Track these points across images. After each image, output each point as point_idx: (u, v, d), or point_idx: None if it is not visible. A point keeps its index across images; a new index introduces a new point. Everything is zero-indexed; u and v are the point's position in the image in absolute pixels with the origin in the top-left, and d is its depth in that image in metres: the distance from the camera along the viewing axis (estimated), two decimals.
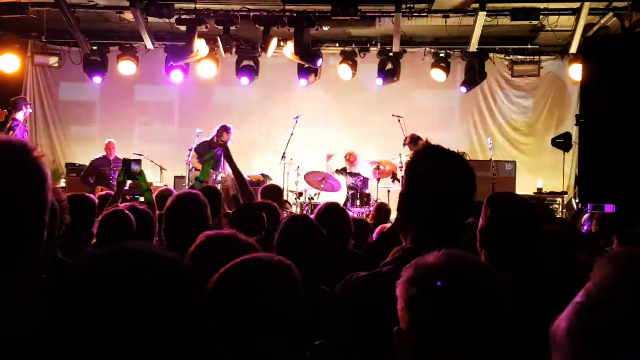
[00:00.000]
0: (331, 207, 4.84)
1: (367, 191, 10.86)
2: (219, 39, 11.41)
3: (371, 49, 12.48)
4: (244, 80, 12.35)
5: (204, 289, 1.75)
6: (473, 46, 11.48)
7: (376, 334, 1.78)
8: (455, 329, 1.40)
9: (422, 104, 12.94)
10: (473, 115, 13.08)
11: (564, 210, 11.21)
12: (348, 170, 11.33)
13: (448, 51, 12.29)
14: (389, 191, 10.99)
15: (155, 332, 1.11)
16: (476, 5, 10.37)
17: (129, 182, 6.32)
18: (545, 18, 10.79)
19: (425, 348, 1.41)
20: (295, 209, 10.56)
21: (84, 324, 1.10)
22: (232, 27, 11.28)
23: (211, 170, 10.88)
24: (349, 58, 12.32)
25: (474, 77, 12.19)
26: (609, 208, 6.32)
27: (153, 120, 13.55)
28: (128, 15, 11.16)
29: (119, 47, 12.54)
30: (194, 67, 12.40)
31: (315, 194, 11.10)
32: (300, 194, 10.99)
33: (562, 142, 11.36)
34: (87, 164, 11.67)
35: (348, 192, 11.07)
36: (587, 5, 10.23)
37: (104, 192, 7.73)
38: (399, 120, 11.10)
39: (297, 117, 11.17)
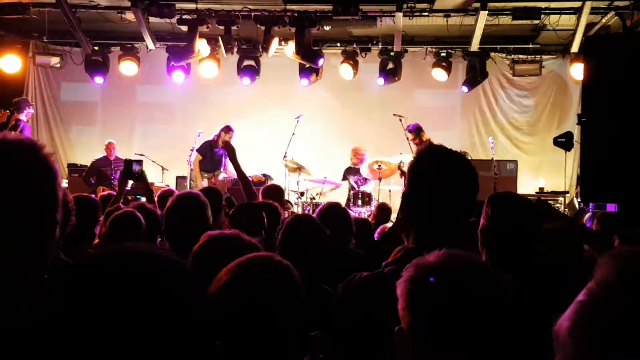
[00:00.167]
0: (332, 207, 4.85)
1: (368, 191, 10.86)
2: (220, 39, 11.41)
3: (372, 48, 12.48)
4: (246, 80, 12.35)
5: (206, 290, 1.76)
6: (474, 45, 11.48)
7: (378, 334, 1.78)
8: (455, 328, 1.40)
9: (423, 103, 12.94)
10: (474, 115, 13.08)
11: (566, 209, 11.20)
12: (353, 167, 11.32)
13: (449, 51, 12.28)
14: (390, 191, 10.99)
15: (156, 333, 1.11)
16: (477, 4, 10.36)
17: (130, 182, 6.32)
18: (546, 17, 10.78)
19: (425, 348, 1.41)
20: (296, 209, 10.56)
21: (84, 325, 1.10)
22: (234, 27, 11.28)
23: (206, 174, 10.92)
24: (350, 58, 12.32)
25: (475, 76, 12.19)
26: (611, 207, 6.32)
27: (154, 120, 13.55)
28: (129, 16, 11.16)
29: (120, 48, 12.55)
30: (196, 67, 12.40)
31: (317, 194, 11.11)
32: (301, 194, 11.00)
33: (563, 142, 11.34)
34: (89, 164, 11.69)
35: (349, 192, 11.08)
36: (588, 4, 10.22)
37: (105, 193, 7.74)
38: (400, 120, 11.09)
39: (298, 117, 11.17)
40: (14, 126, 10.13)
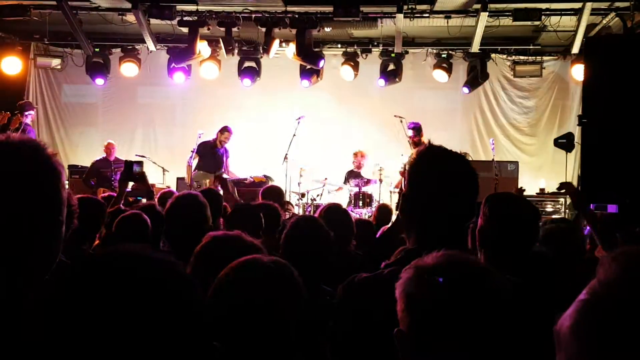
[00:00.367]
0: (333, 208, 4.84)
1: (369, 192, 10.86)
2: (221, 40, 11.42)
3: (373, 50, 12.49)
4: (246, 81, 12.36)
5: (205, 291, 1.75)
6: (475, 47, 11.48)
7: (377, 335, 1.78)
8: (454, 330, 1.40)
9: (424, 104, 12.93)
10: (475, 116, 13.08)
11: (567, 210, 11.19)
12: (355, 170, 11.33)
13: (450, 52, 12.29)
14: (391, 192, 10.99)
15: (154, 335, 1.11)
16: (478, 5, 10.37)
17: (130, 183, 6.31)
18: (547, 18, 10.79)
19: (425, 349, 1.41)
20: (297, 210, 10.56)
21: (80, 328, 1.10)
22: (234, 29, 11.29)
23: (207, 173, 10.94)
24: (351, 59, 12.33)
25: (476, 77, 12.18)
26: (612, 208, 6.31)
27: (155, 121, 13.57)
28: (130, 17, 11.18)
29: (121, 49, 12.56)
30: (196, 69, 12.41)
31: (317, 195, 11.11)
32: (302, 195, 11.00)
33: (564, 143, 11.34)
34: (89, 166, 11.70)
35: (350, 193, 11.08)
36: (589, 5, 10.22)
37: (106, 194, 7.74)
38: (401, 121, 11.10)
39: (299, 118, 11.18)
40: (17, 129, 10.14)
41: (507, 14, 10.58)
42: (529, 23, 10.89)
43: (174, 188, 10.42)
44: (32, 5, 10.81)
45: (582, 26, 10.63)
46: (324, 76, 12.35)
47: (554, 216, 9.33)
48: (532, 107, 12.91)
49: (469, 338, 1.40)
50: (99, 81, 12.56)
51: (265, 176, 11.25)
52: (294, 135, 11.01)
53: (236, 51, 12.19)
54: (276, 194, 6.37)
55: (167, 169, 11.98)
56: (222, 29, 11.24)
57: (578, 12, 10.49)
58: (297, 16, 10.96)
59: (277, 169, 11.34)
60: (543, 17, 10.61)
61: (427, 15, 10.84)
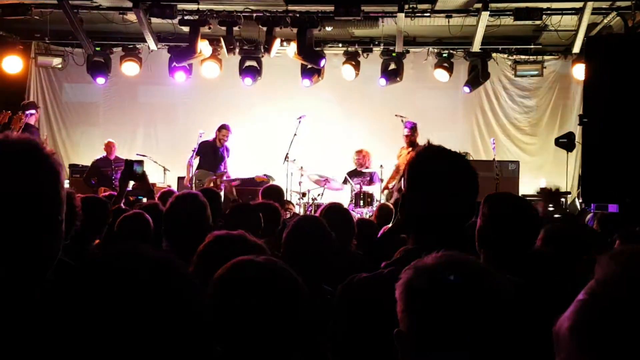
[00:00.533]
0: (334, 207, 4.84)
1: (370, 191, 10.86)
2: (222, 39, 11.42)
3: (374, 49, 12.48)
4: (247, 80, 12.36)
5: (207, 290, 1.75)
6: (476, 46, 11.48)
7: (377, 336, 1.78)
8: (454, 330, 1.40)
9: (425, 104, 12.92)
10: (476, 115, 13.08)
11: (567, 210, 11.18)
12: (358, 170, 11.31)
13: (451, 51, 12.28)
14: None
15: (155, 334, 1.11)
16: (479, 5, 10.36)
17: (131, 182, 6.32)
18: (548, 18, 10.78)
19: (424, 349, 1.41)
20: (298, 210, 10.56)
21: (83, 327, 1.10)
22: (235, 28, 11.28)
23: (209, 172, 10.95)
24: (352, 58, 12.32)
25: (477, 77, 12.18)
26: (613, 208, 6.31)
27: (156, 121, 13.57)
28: (131, 17, 11.18)
29: (122, 48, 12.56)
30: (197, 68, 12.41)
31: (318, 195, 11.11)
32: (303, 194, 11.00)
33: (565, 142, 11.33)
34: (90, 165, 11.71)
35: (352, 193, 11.08)
36: (590, 5, 10.22)
37: (107, 194, 7.74)
38: (402, 121, 11.09)
39: (300, 117, 11.17)
40: (21, 128, 10.14)
41: (508, 13, 10.57)
42: (530, 22, 10.89)
43: (174, 187, 10.43)
44: (33, 4, 10.81)
45: (583, 26, 10.62)
46: (325, 75, 12.35)
47: (555, 215, 9.31)
48: (533, 107, 12.90)
49: (468, 338, 1.40)
50: (100, 80, 12.56)
51: (266, 175, 11.25)
52: (295, 134, 11.00)
53: (237, 50, 12.19)
54: (276, 193, 6.36)
55: (168, 169, 11.98)
56: (223, 28, 11.24)
57: (579, 12, 10.48)
58: (298, 15, 10.96)
59: (278, 168, 11.34)
60: (544, 16, 10.61)
61: (428, 14, 10.84)
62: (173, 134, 13.39)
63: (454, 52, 12.33)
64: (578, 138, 11.01)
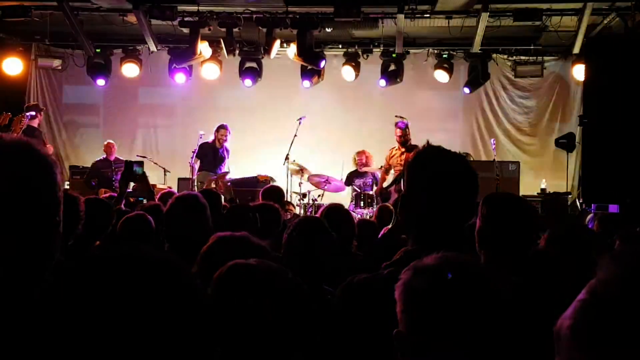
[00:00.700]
0: (335, 208, 4.83)
1: (370, 192, 10.86)
2: (222, 41, 11.42)
3: (374, 50, 12.48)
4: (247, 82, 12.36)
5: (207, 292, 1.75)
6: (476, 47, 11.48)
7: (377, 336, 1.78)
8: (453, 330, 1.40)
9: (425, 105, 12.93)
10: (476, 116, 13.08)
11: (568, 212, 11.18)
12: (359, 171, 11.31)
13: (451, 52, 12.28)
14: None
15: (156, 335, 1.11)
16: (479, 6, 10.37)
17: (131, 184, 6.32)
18: (548, 19, 10.78)
19: (424, 349, 1.41)
20: (298, 211, 10.56)
21: (82, 328, 1.10)
22: (235, 29, 11.29)
23: (210, 173, 10.95)
24: (352, 59, 12.32)
25: (477, 78, 12.18)
26: (613, 208, 6.31)
27: (156, 122, 13.57)
28: (131, 18, 11.19)
29: (122, 50, 12.56)
30: (197, 69, 12.41)
31: (319, 196, 11.11)
32: (304, 195, 11.00)
33: (565, 143, 11.35)
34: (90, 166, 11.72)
35: (352, 193, 11.08)
36: (590, 5, 10.22)
37: (107, 195, 7.75)
38: (398, 122, 11.08)
39: (300, 118, 11.17)
40: (26, 131, 10.14)
41: (508, 14, 10.57)
42: (529, 23, 10.89)
43: (175, 189, 10.43)
44: (34, 6, 10.81)
45: (583, 26, 10.63)
46: (325, 77, 12.36)
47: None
48: (533, 107, 12.90)
49: (467, 338, 1.40)
50: (100, 82, 12.56)
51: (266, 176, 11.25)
52: (295, 135, 11.00)
53: (237, 52, 12.20)
54: (277, 194, 6.36)
55: (168, 170, 11.98)
56: (223, 29, 11.24)
57: (579, 12, 10.49)
58: (298, 17, 10.96)
59: (278, 169, 11.34)
60: (544, 17, 10.61)
61: (428, 15, 10.84)
62: (173, 135, 13.40)
63: (454, 53, 12.33)
64: (578, 139, 11.04)
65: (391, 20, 11.07)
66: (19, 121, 9.07)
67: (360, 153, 11.37)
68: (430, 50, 12.44)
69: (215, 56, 12.00)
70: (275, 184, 10.24)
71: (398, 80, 12.28)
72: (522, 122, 12.96)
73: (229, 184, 10.72)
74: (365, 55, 12.54)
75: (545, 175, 12.13)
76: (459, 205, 2.10)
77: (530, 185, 11.67)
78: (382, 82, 12.32)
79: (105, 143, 11.64)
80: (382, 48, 12.30)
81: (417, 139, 10.74)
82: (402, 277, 1.49)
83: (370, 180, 11.17)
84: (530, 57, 12.35)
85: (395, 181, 10.56)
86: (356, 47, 12.47)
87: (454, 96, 13.05)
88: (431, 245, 1.70)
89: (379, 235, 5.50)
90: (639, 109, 5.51)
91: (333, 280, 3.05)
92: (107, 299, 1.12)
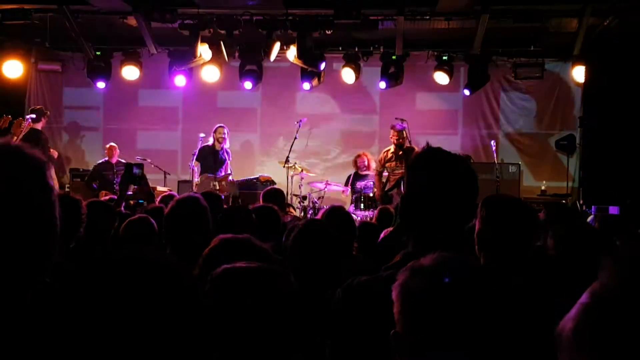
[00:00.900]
0: (336, 210, 4.83)
1: (371, 194, 10.86)
2: (222, 43, 11.42)
3: (374, 52, 12.48)
4: (248, 84, 12.35)
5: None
6: (476, 49, 11.48)
7: (376, 338, 1.78)
8: (449, 330, 1.40)
9: (425, 106, 12.94)
10: (476, 118, 13.07)
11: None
12: (359, 173, 11.30)
13: (451, 54, 12.27)
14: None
15: (154, 338, 1.11)
16: (479, 7, 10.37)
17: (132, 186, 6.33)
18: (548, 20, 10.78)
19: (421, 350, 1.42)
20: (298, 213, 10.56)
21: (82, 330, 1.10)
22: (235, 32, 11.29)
23: (210, 175, 10.94)
24: (352, 61, 12.31)
25: (477, 79, 12.17)
26: (613, 210, 6.32)
27: (157, 124, 13.58)
28: (131, 21, 11.19)
29: (122, 53, 12.56)
30: (198, 72, 12.41)
31: (319, 198, 11.11)
32: (304, 198, 11.00)
33: (566, 144, 11.36)
34: (91, 169, 11.71)
35: (352, 196, 11.08)
36: (590, 7, 10.22)
37: (107, 197, 7.76)
38: (395, 125, 11.08)
39: (300, 120, 11.18)
40: (29, 133, 10.14)
41: (508, 15, 10.57)
42: (529, 25, 10.89)
43: (175, 191, 10.43)
44: (34, 9, 10.82)
45: (583, 28, 10.62)
46: (325, 79, 12.36)
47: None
48: (533, 109, 12.89)
49: (464, 338, 1.40)
50: (100, 84, 12.57)
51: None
52: (295, 137, 11.01)
53: (237, 54, 12.20)
54: (277, 196, 6.36)
55: (169, 172, 11.99)
56: (223, 32, 11.24)
57: (579, 14, 10.48)
58: (298, 19, 10.96)
59: (278, 171, 11.35)
60: (544, 18, 10.61)
61: (427, 17, 10.85)
62: (173, 137, 13.40)
63: (454, 55, 12.32)
64: (578, 140, 11.05)
65: (391, 22, 11.08)
66: (18, 124, 9.08)
67: (361, 156, 11.37)
68: (430, 52, 12.43)
69: (215, 59, 12.00)
70: (275, 186, 10.24)
71: (398, 82, 12.28)
72: (522, 123, 12.95)
73: (235, 183, 10.73)
74: (365, 57, 12.53)
75: (545, 177, 12.14)
76: (459, 208, 2.11)
77: (530, 187, 11.67)
78: (382, 84, 12.32)
79: (108, 146, 11.64)
80: (382, 50, 12.30)
81: (417, 141, 10.75)
82: (398, 278, 1.50)
83: (370, 182, 11.17)
84: (530, 59, 12.33)
85: (397, 185, 10.56)
86: (356, 49, 12.47)
87: (454, 98, 13.05)
88: (431, 247, 1.71)
89: (380, 238, 5.51)
90: (638, 110, 5.51)
91: (334, 282, 3.04)
92: (108, 302, 1.12)
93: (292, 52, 11.38)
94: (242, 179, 11.19)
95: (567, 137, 11.41)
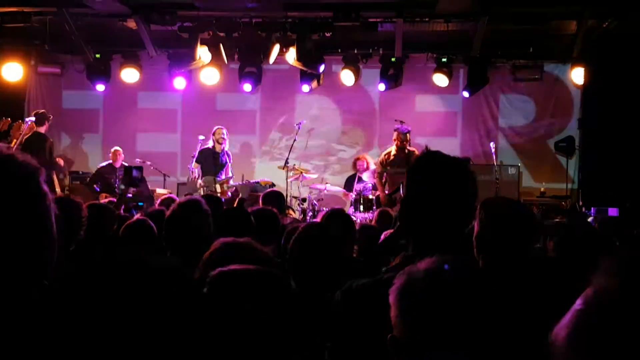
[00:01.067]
0: (336, 213, 4.83)
1: (370, 197, 10.85)
2: (221, 45, 11.43)
3: (373, 54, 12.48)
4: (247, 86, 12.35)
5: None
6: (475, 51, 11.48)
7: (375, 341, 1.79)
8: (447, 332, 1.40)
9: (424, 108, 12.94)
10: (476, 120, 13.08)
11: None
12: (358, 176, 11.29)
13: (450, 56, 12.27)
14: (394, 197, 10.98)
15: (155, 341, 1.12)
16: (478, 9, 10.37)
17: (131, 189, 6.34)
18: (547, 22, 10.78)
19: (418, 353, 1.42)
20: (298, 215, 10.56)
21: (83, 331, 1.11)
22: (235, 34, 11.29)
23: (211, 178, 10.93)
24: (351, 63, 12.31)
25: (476, 81, 12.18)
26: (613, 212, 6.31)
27: (156, 127, 13.57)
28: (131, 23, 11.20)
29: (121, 55, 12.57)
30: (197, 74, 12.42)
31: (318, 200, 11.11)
32: (303, 200, 11.00)
33: (565, 146, 11.36)
34: (90, 171, 11.72)
35: (351, 198, 11.07)
36: (589, 9, 10.22)
37: (107, 200, 7.76)
38: (397, 127, 11.08)
39: (299, 123, 11.18)
40: (33, 137, 10.14)
41: (507, 17, 10.57)
42: (529, 27, 10.88)
43: (174, 194, 10.43)
44: (33, 11, 10.83)
45: (582, 30, 10.62)
46: (324, 81, 12.37)
47: (556, 219, 9.32)
48: (532, 111, 12.88)
49: (462, 340, 1.40)
50: (100, 87, 12.58)
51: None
52: (294, 140, 11.01)
53: (236, 56, 12.20)
54: (277, 198, 6.36)
55: (168, 175, 11.99)
56: (223, 34, 11.25)
57: (578, 16, 10.48)
58: (297, 21, 10.97)
59: (277, 173, 11.35)
60: (543, 20, 10.61)
61: (427, 19, 10.85)
62: (173, 140, 13.40)
63: (453, 57, 12.32)
64: (578, 142, 11.04)
65: (390, 24, 11.08)
66: (18, 127, 9.09)
67: (360, 158, 11.37)
68: (430, 54, 12.43)
69: (214, 61, 12.01)
70: (275, 188, 10.23)
71: (397, 84, 12.28)
72: (522, 125, 12.95)
73: (247, 185, 10.73)
74: (364, 59, 12.53)
75: (544, 178, 12.14)
76: (458, 210, 2.11)
77: (529, 188, 11.68)
78: (382, 86, 12.33)
79: (113, 150, 11.62)
80: (381, 52, 12.29)
81: (416, 143, 10.76)
82: (395, 281, 1.50)
83: (369, 184, 11.16)
84: (530, 61, 12.34)
85: (398, 188, 10.54)
86: (355, 51, 12.47)
87: (453, 100, 13.05)
88: (431, 249, 1.71)
89: (380, 240, 5.51)
90: (638, 112, 5.52)
91: (334, 285, 3.04)
92: (110, 305, 1.13)
93: (291, 55, 11.38)
94: (243, 182, 11.18)
95: (566, 138, 11.41)
